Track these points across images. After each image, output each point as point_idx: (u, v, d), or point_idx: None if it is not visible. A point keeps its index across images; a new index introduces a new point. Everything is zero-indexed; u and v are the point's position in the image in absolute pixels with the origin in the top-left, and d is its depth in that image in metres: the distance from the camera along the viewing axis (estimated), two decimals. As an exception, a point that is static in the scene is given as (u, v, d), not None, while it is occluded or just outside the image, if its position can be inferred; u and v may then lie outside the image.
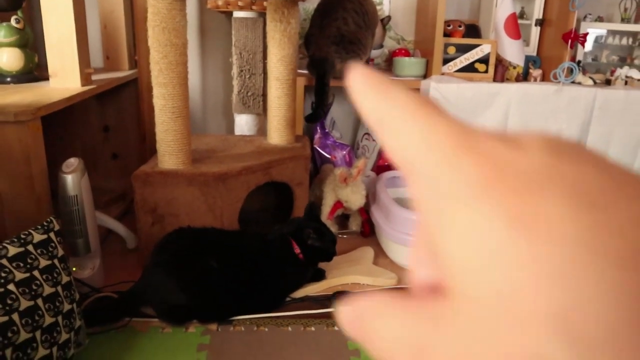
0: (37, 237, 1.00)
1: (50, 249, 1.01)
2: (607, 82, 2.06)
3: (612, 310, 0.09)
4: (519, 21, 1.89)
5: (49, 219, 1.05)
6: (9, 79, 1.57)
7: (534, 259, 0.10)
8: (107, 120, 1.96)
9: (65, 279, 1.02)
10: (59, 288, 0.99)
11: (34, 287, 0.94)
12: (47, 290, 0.96)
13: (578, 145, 0.13)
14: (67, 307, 1.00)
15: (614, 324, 0.09)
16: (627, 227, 0.10)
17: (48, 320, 0.94)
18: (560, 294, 0.10)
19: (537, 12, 2.06)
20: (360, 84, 0.15)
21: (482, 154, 0.12)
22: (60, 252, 1.03)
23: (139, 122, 1.92)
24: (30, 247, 0.98)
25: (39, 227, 1.02)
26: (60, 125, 1.84)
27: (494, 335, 0.11)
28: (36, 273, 0.96)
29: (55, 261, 1.01)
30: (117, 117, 1.95)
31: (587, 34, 2.04)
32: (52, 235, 1.03)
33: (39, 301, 0.94)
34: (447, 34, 1.91)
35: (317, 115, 1.71)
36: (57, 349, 0.94)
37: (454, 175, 0.12)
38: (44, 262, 0.98)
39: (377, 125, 0.15)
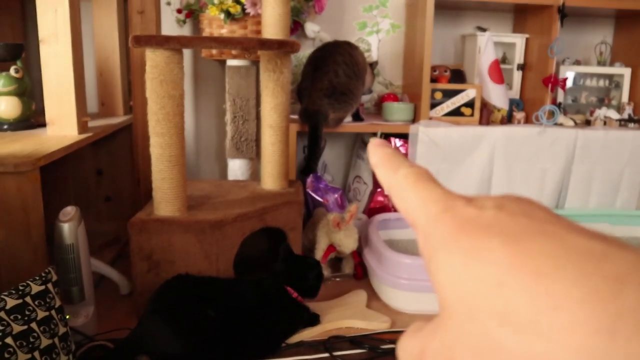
0: (35, 288, 1.01)
1: (48, 300, 1.02)
2: (587, 123, 2.14)
3: (532, 294, 0.14)
4: (502, 66, 1.97)
5: (47, 270, 1.06)
6: (5, 127, 1.59)
7: (480, 276, 0.15)
8: (101, 164, 1.98)
9: (62, 330, 1.02)
10: (56, 340, 0.99)
11: (32, 340, 0.94)
12: (45, 342, 0.97)
13: (521, 200, 0.18)
14: (63, 358, 1.00)
15: (538, 304, 0.14)
16: (535, 252, 0.15)
17: (45, 373, 0.94)
18: (499, 295, 0.15)
19: (519, 57, 2.15)
20: (376, 159, 0.22)
21: (456, 214, 0.18)
22: (58, 303, 1.04)
23: (132, 165, 1.95)
24: (28, 299, 0.98)
25: (37, 277, 1.03)
26: (54, 169, 1.86)
27: (463, 330, 0.16)
28: (34, 325, 0.96)
29: (53, 312, 1.02)
30: (110, 160, 1.98)
31: (566, 78, 2.13)
32: (49, 286, 1.04)
33: (36, 354, 0.94)
34: (433, 79, 1.98)
35: (309, 168, 1.78)
36: (54, 403, 0.94)
37: (438, 230, 0.18)
38: (41, 314, 0.99)
39: (388, 191, 0.21)
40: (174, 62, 1.32)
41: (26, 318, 0.96)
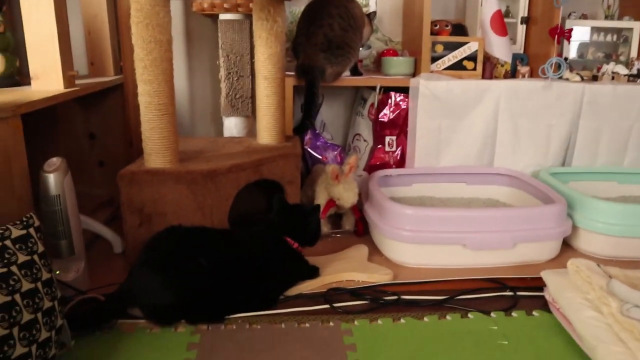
0: (16, 232, 0.96)
1: (30, 245, 0.96)
2: (594, 79, 2.06)
3: None
4: (505, 20, 1.89)
5: (28, 215, 1.01)
6: (-12, 83, 1.53)
7: None
8: (93, 128, 1.92)
9: (45, 275, 0.97)
10: (39, 284, 0.94)
11: (12, 283, 0.89)
12: (26, 286, 0.91)
13: None
14: (47, 304, 0.95)
15: None
16: None
17: (26, 316, 0.89)
18: None
19: (523, 10, 2.07)
20: None
21: None
22: (41, 248, 0.99)
23: (125, 128, 1.89)
24: (8, 242, 0.93)
25: (18, 222, 0.98)
26: (45, 132, 1.80)
27: None
28: (14, 268, 0.91)
29: (35, 257, 0.96)
30: (102, 124, 1.92)
31: (572, 29, 2.05)
32: (31, 230, 0.99)
33: (17, 297, 0.89)
34: (434, 34, 1.91)
35: (304, 126, 1.72)
36: (37, 347, 0.89)
37: None
38: (22, 258, 0.94)
39: None
40: (159, 5, 1.26)
41: (5, 261, 0.90)
